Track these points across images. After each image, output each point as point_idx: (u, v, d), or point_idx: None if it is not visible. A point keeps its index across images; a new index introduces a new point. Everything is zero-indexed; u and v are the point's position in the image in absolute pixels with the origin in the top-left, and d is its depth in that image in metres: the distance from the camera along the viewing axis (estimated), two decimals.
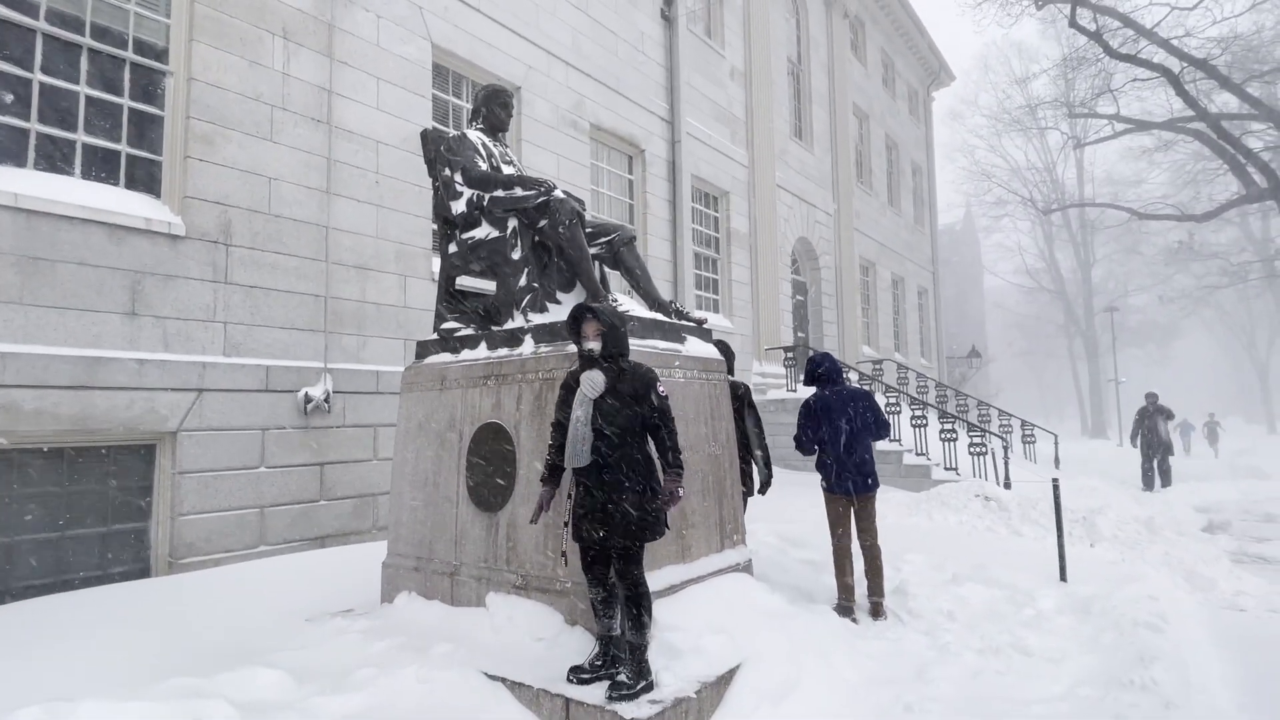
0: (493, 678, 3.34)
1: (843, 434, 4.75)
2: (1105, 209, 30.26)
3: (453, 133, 4.95)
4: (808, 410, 4.92)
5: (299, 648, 3.77)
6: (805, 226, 16.36)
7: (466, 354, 4.35)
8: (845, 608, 4.58)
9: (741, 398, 4.91)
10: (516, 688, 3.26)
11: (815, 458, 4.93)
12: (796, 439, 4.95)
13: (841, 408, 4.79)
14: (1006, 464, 10.03)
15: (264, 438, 6.11)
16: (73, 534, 5.17)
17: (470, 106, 8.24)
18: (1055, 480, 5.84)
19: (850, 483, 4.73)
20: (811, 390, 5.09)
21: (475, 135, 4.75)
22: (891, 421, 10.79)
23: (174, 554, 5.53)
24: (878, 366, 14.69)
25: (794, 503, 8.00)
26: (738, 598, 3.92)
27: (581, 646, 3.46)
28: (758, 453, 4.95)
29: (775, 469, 5.20)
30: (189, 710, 2.89)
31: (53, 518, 5.09)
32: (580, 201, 4.43)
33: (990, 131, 37.12)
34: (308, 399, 6.36)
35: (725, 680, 3.31)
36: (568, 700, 3.11)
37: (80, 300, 5.23)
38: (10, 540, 4.89)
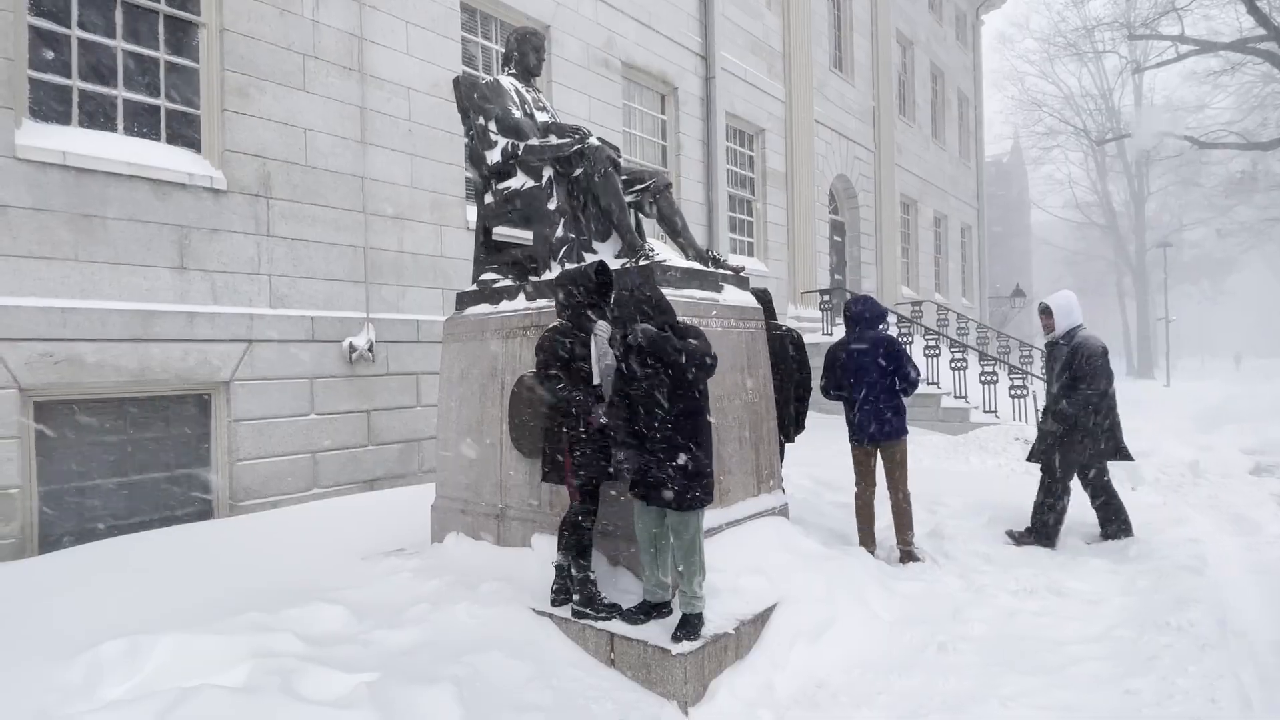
0: (540, 614, 3.52)
1: (863, 382, 4.75)
2: (1163, 138, 28.74)
3: (485, 79, 4.91)
4: (831, 356, 4.94)
5: (356, 585, 3.99)
6: (844, 163, 15.92)
7: (506, 305, 4.43)
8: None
9: (797, 347, 4.97)
10: (563, 623, 3.44)
11: (843, 403, 4.96)
12: (821, 383, 5.00)
13: (865, 355, 4.77)
14: None
15: (312, 386, 6.34)
16: (139, 479, 5.48)
17: (500, 50, 8.12)
18: None
19: (870, 432, 4.75)
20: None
21: (508, 82, 4.72)
22: (930, 364, 10.68)
23: (234, 497, 5.84)
24: (917, 308, 14.47)
25: (829, 446, 8.04)
26: (774, 540, 4.02)
27: (625, 585, 3.62)
28: (795, 405, 5.01)
29: (810, 412, 5.24)
30: (261, 643, 3.11)
31: (119, 464, 5.40)
32: (615, 149, 4.40)
33: (1042, 56, 35.17)
34: (352, 348, 6.55)
35: (763, 618, 3.44)
36: (612, 635, 3.28)
37: (131, 255, 5.41)
38: (82, 485, 5.21)
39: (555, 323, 3.54)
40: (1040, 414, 5.24)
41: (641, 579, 3.44)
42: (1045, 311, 5.14)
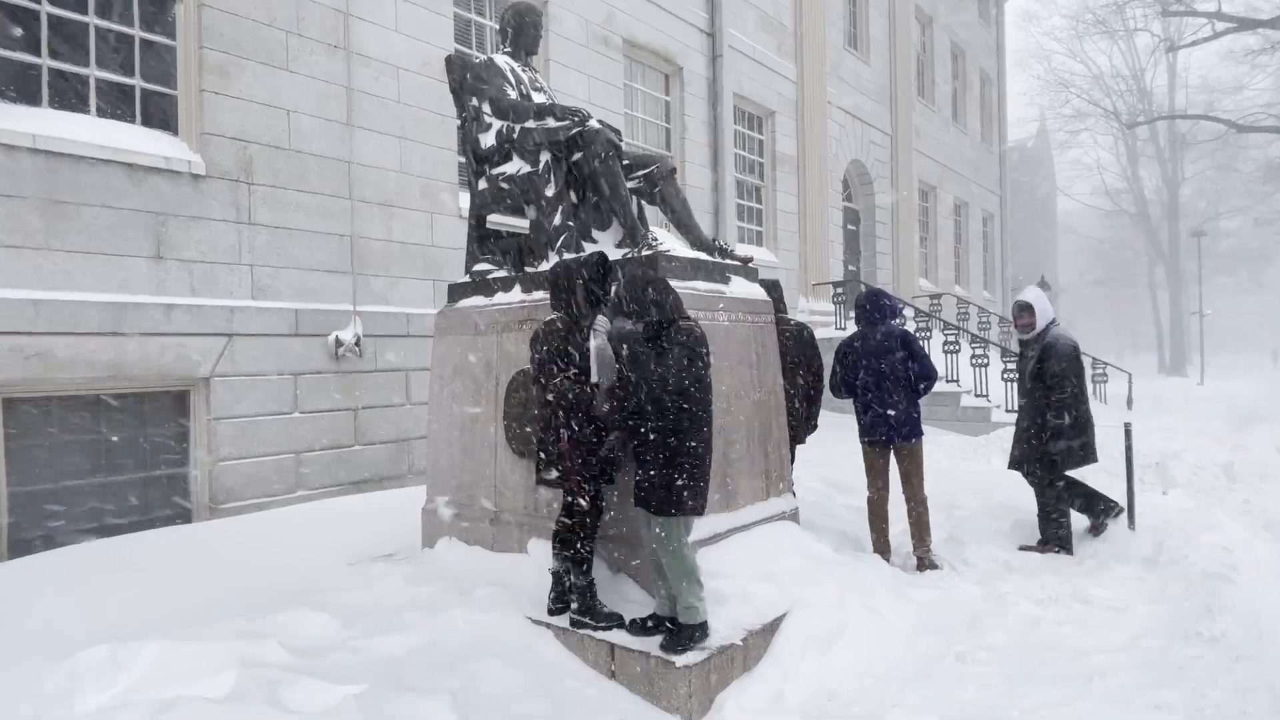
0: (537, 622, 3.55)
1: (876, 379, 4.77)
2: (1198, 121, 28.71)
3: (479, 58, 4.93)
4: (842, 352, 4.97)
5: (344, 591, 4.03)
6: (859, 148, 15.92)
7: (500, 297, 4.46)
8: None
9: (808, 342, 5.02)
10: (561, 633, 3.47)
11: (854, 402, 4.99)
12: (831, 381, 5.03)
13: (877, 350, 4.79)
14: None
15: (296, 382, 6.37)
16: (115, 480, 5.52)
17: (495, 26, 8.14)
18: (1127, 424, 5.80)
19: (885, 432, 4.78)
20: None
21: (503, 60, 4.74)
22: (949, 361, 10.71)
23: (214, 499, 5.88)
24: (936, 301, 14.47)
25: (840, 445, 8.06)
26: (784, 546, 4.06)
27: (627, 593, 3.65)
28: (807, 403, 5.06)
29: (821, 410, 5.29)
30: (245, 651, 3.15)
31: (93, 465, 5.43)
32: (616, 132, 4.42)
33: (1070, 34, 35.09)
34: (338, 343, 6.58)
35: (772, 628, 3.48)
36: (613, 646, 3.31)
37: (105, 244, 5.44)
38: (56, 487, 5.25)
39: (552, 316, 3.56)
40: (1017, 419, 5.35)
41: (647, 588, 3.47)
42: (1027, 309, 5.17)
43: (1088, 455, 5.06)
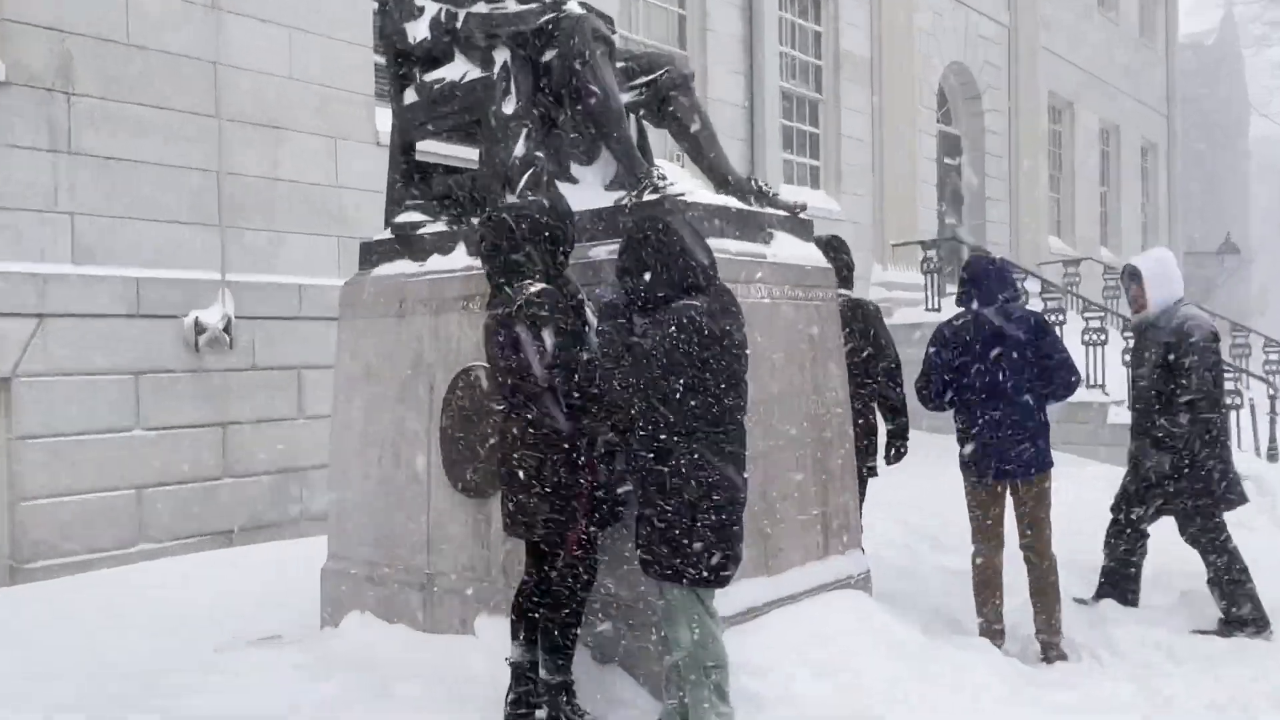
0: None
1: (989, 385, 4.75)
2: None
3: None
4: (941, 343, 4.93)
5: (208, 690, 4.02)
6: (961, 46, 15.90)
7: (436, 261, 4.45)
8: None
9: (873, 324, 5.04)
10: None
11: (954, 417, 4.97)
12: (919, 385, 5.01)
13: (991, 342, 4.77)
14: (1272, 423, 9.91)
15: (138, 385, 6.37)
16: None
17: None
18: None
19: (1001, 462, 4.76)
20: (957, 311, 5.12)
21: None
22: (1092, 357, 10.70)
23: (17, 555, 5.88)
24: (1073, 270, 14.43)
25: (928, 474, 8.01)
26: (849, 625, 4.05)
27: (616, 693, 3.66)
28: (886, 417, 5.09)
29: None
30: None
31: None
32: (607, 20, 4.41)
33: None
34: (199, 328, 6.58)
35: None
36: None
37: None
38: None
39: (534, 285, 3.43)
40: (1134, 441, 5.42)
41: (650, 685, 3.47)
42: (1133, 276, 5.28)
43: (1227, 492, 5.10)
